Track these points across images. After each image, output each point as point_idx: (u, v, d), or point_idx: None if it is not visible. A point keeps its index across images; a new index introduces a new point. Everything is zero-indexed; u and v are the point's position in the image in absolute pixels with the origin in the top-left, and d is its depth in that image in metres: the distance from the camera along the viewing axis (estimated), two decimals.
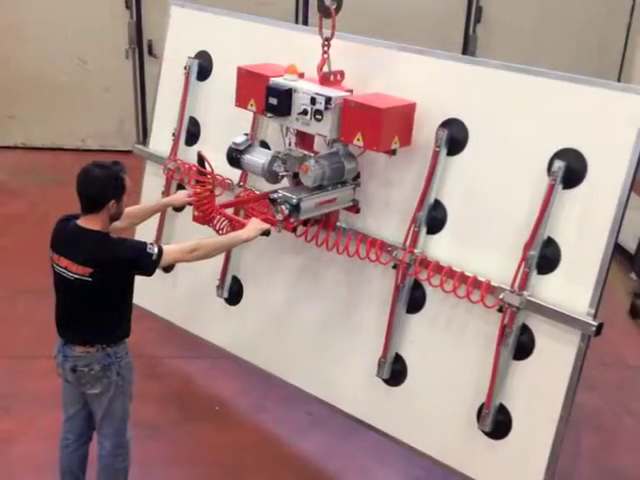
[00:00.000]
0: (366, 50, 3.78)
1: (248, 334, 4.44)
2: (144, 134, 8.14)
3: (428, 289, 3.68)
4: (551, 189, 3.24)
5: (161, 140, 4.76)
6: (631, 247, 6.37)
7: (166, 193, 4.64)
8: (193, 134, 4.62)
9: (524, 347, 3.42)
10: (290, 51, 3.87)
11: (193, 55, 4.51)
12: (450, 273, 3.50)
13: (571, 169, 3.23)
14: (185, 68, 4.52)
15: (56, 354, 3.40)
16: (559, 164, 3.22)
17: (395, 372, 3.85)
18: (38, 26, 7.77)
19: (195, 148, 4.39)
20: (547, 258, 3.32)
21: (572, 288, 3.27)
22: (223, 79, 4.19)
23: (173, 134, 4.63)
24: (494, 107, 3.48)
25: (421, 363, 3.78)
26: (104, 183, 3.19)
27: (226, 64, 4.16)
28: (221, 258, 4.34)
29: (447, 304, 3.62)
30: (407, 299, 3.73)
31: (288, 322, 4.28)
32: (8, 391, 4.65)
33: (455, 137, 3.53)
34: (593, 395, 4.75)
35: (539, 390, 3.41)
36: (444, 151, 3.54)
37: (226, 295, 4.52)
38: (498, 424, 3.51)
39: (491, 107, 3.48)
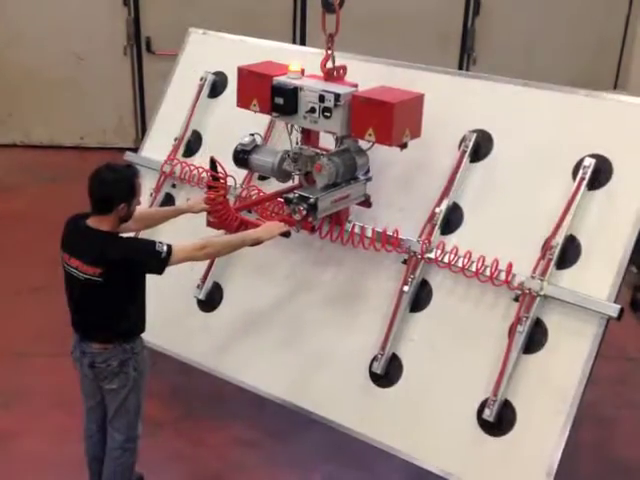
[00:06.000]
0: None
1: (222, 342, 4.25)
2: (143, 131, 8.13)
3: (435, 286, 3.67)
4: (577, 188, 3.41)
5: (155, 148, 4.73)
6: None
7: (154, 195, 4.57)
8: (192, 147, 4.60)
9: (536, 340, 3.42)
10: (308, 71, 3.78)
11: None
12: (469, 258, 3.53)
13: (598, 171, 3.43)
14: (201, 79, 4.60)
15: (73, 350, 3.42)
16: (589, 161, 3.42)
17: (390, 371, 3.73)
18: (36, 23, 7.75)
19: (191, 160, 4.51)
20: (568, 254, 3.42)
21: (591, 280, 3.37)
22: (234, 99, 3.94)
23: (175, 139, 4.60)
24: (520, 120, 3.72)
25: (419, 362, 3.70)
26: (115, 186, 3.19)
27: None
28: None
29: (453, 301, 3.63)
30: (413, 296, 3.70)
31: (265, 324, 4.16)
32: (10, 388, 4.66)
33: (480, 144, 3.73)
34: (594, 387, 4.69)
35: (547, 384, 3.40)
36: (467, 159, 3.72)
37: (202, 297, 4.30)
38: (502, 418, 3.44)
39: (517, 120, 3.72)
